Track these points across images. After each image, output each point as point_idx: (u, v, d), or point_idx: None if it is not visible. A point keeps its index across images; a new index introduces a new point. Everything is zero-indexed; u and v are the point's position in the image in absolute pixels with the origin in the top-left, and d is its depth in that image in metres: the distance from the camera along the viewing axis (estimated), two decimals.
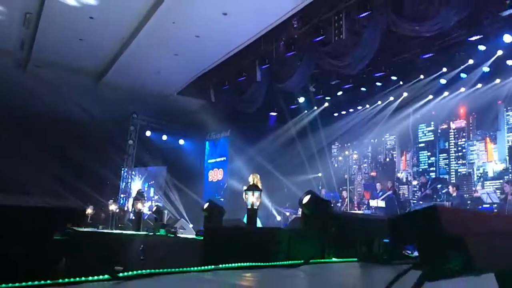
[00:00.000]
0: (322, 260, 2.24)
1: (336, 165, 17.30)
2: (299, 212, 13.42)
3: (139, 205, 8.24)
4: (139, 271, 1.51)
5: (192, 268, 1.65)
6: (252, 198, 4.98)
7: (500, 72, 12.88)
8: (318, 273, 1.96)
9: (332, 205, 3.91)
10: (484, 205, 11.22)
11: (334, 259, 2.28)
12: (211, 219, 5.69)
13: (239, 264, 1.81)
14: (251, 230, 3.90)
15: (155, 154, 18.04)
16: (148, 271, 1.53)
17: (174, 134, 18.14)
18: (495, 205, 10.76)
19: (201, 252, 4.09)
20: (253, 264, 1.86)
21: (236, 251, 3.51)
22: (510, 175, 12.45)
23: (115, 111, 16.40)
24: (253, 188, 5.11)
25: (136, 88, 15.58)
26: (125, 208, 16.02)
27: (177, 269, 1.59)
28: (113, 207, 9.76)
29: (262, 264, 1.88)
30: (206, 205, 5.93)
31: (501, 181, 12.35)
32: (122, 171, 17.25)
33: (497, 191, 11.72)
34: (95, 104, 15.85)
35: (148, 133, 17.75)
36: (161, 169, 18.82)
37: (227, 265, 1.77)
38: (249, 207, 4.99)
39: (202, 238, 5.24)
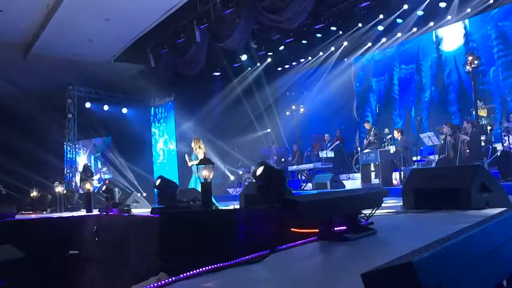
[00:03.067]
0: (283, 247, 2.23)
1: (284, 120, 17.40)
2: (252, 170, 13.59)
3: (87, 185, 7.95)
4: None
5: (152, 285, 1.56)
6: (205, 172, 4.91)
7: (433, 15, 13.22)
8: (282, 265, 1.94)
9: (285, 173, 3.91)
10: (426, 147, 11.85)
11: (294, 243, 2.28)
12: (164, 195, 5.59)
13: (201, 269, 1.74)
14: (208, 212, 3.84)
15: (98, 126, 17.34)
16: None
17: (115, 103, 17.43)
18: (435, 146, 11.34)
19: (158, 235, 3.99)
20: (216, 266, 1.80)
21: (194, 234, 3.46)
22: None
23: (49, 85, 15.44)
24: (204, 161, 5.03)
25: (69, 58, 14.69)
26: (73, 185, 15.50)
27: None
28: (59, 189, 9.35)
29: (225, 264, 1.83)
30: (158, 182, 5.80)
31: None
32: (65, 147, 16.52)
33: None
34: (26, 79, 14.82)
35: (88, 105, 16.93)
36: (107, 140, 18.21)
37: (188, 273, 1.70)
38: (203, 181, 4.92)
39: (157, 216, 5.15)
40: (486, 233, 0.96)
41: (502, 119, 10.94)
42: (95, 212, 7.62)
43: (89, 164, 16.31)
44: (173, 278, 1.65)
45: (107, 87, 16.69)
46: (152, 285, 1.56)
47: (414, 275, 0.67)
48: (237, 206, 5.79)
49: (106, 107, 17.27)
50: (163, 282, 1.65)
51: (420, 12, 13.03)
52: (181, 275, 1.68)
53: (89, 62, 15.06)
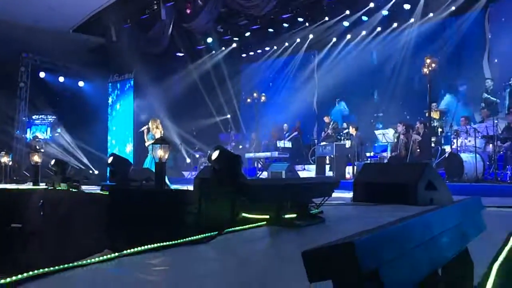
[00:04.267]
0: (232, 229, 2.23)
1: (245, 106, 17.37)
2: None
3: (35, 157, 7.63)
4: (32, 272, 1.34)
5: (92, 260, 1.52)
6: (160, 152, 4.83)
7: (398, 17, 13.53)
8: (230, 247, 1.94)
9: (241, 158, 3.90)
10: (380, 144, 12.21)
11: (243, 227, 2.29)
12: (116, 173, 5.47)
13: (146, 247, 1.71)
14: (160, 192, 3.79)
15: (52, 98, 16.61)
16: (42, 270, 1.37)
17: (72, 76, 16.74)
18: (389, 144, 11.69)
19: (108, 213, 3.90)
20: (161, 244, 1.78)
21: (144, 213, 3.40)
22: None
23: (1, 51, 14.64)
24: (160, 141, 4.94)
25: (25, 24, 13.93)
26: (22, 157, 14.86)
27: (75, 263, 1.46)
28: (5, 159, 8.92)
29: (171, 243, 1.81)
30: (110, 159, 5.66)
31: None
32: (16, 117, 15.77)
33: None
34: None
35: (42, 75, 16.19)
36: (60, 113, 17.49)
37: (131, 250, 1.67)
38: (157, 161, 4.84)
39: (107, 193, 5.03)
40: (424, 222, 1.00)
41: (453, 122, 11.40)
42: (42, 185, 7.35)
43: (39, 139, 15.67)
44: (116, 254, 1.61)
45: (64, 58, 16.01)
46: (91, 260, 1.52)
47: (353, 255, 0.68)
48: (191, 189, 5.75)
49: (61, 79, 16.59)
50: (104, 257, 1.61)
51: (385, 12, 13.31)
52: (124, 252, 1.64)
53: (47, 31, 14.36)
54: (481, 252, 1.73)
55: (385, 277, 0.73)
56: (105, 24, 14.63)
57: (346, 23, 14.03)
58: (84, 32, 15.06)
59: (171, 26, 13.42)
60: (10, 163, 9.34)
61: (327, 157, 12.03)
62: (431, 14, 12.91)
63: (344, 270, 0.69)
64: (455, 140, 9.45)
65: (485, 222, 1.49)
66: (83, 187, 7.08)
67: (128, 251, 1.66)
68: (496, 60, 12.04)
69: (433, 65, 9.79)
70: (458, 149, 9.25)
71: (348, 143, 12.48)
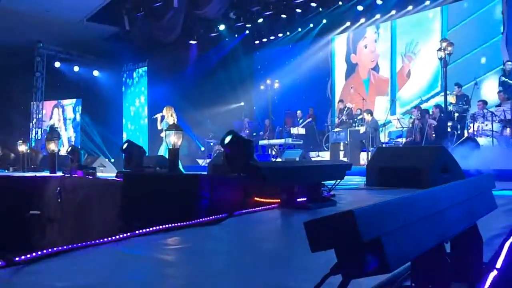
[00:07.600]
0: (243, 212, 2.25)
1: (258, 94, 17.32)
2: None
3: (52, 146, 7.75)
4: (44, 251, 1.38)
5: (105, 240, 1.55)
6: (173, 138, 4.86)
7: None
8: (240, 228, 1.96)
9: (253, 143, 3.93)
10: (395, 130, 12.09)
11: (254, 209, 2.31)
12: (131, 160, 5.53)
13: (158, 227, 1.74)
14: (173, 177, 3.83)
15: (67, 87, 16.83)
16: (56, 249, 1.41)
17: (87, 65, 16.91)
18: (404, 129, 11.56)
19: (121, 198, 3.96)
20: (174, 225, 1.80)
21: (158, 198, 3.44)
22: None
23: (17, 41, 14.81)
24: (173, 128, 4.98)
25: (39, 14, 14.06)
26: (40, 145, 15.13)
27: (89, 242, 1.49)
28: (22, 147, 9.07)
29: (183, 224, 1.83)
30: (125, 146, 5.72)
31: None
32: (32, 107, 16.01)
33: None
34: None
35: (57, 64, 16.39)
36: (76, 103, 17.74)
37: (143, 230, 1.70)
38: (170, 147, 4.88)
39: (121, 179, 5.10)
40: (431, 196, 0.99)
41: (470, 107, 11.20)
42: (59, 173, 7.48)
43: (56, 126, 15.94)
44: (128, 234, 1.64)
45: (79, 48, 16.16)
46: (107, 239, 1.56)
47: (353, 223, 0.69)
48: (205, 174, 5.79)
49: (76, 68, 16.77)
50: (119, 236, 1.64)
51: None
52: (137, 232, 1.67)
53: (61, 20, 14.48)
54: (493, 231, 1.72)
55: (387, 246, 0.73)
56: (119, 13, 14.69)
57: (360, 7, 13.84)
58: (98, 21, 15.14)
59: (184, 13, 13.41)
60: (28, 151, 9.51)
61: (341, 143, 11.96)
62: None
63: (345, 238, 0.70)
64: (471, 125, 9.29)
65: (495, 201, 1.48)
66: (99, 175, 7.18)
67: (141, 231, 1.69)
68: None
69: (449, 48, 9.61)
70: (475, 133, 9.10)
71: (362, 129, 12.37)
